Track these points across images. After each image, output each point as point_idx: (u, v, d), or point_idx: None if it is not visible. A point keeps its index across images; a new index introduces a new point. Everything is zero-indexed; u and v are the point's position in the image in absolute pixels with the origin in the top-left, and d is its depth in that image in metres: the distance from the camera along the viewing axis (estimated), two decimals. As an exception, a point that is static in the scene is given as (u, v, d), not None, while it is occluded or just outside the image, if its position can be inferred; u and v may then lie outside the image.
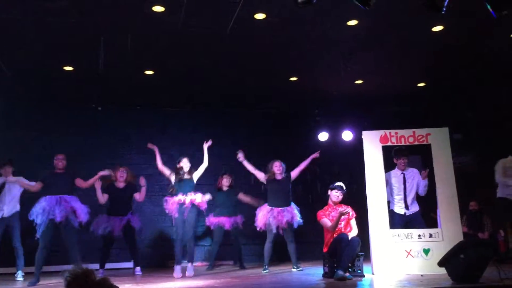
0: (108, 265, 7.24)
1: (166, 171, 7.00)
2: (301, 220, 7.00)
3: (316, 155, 7.26)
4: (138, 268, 7.23)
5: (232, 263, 8.31)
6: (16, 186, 7.10)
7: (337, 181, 6.35)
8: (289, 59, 7.13)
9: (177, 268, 6.56)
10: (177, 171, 6.87)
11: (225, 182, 7.90)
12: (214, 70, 7.45)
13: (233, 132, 9.32)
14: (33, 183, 6.59)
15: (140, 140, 8.96)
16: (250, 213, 7.62)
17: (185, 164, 6.91)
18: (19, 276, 6.89)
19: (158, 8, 5.44)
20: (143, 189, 7.17)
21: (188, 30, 5.98)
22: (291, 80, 7.98)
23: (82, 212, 6.25)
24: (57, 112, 8.58)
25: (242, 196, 7.90)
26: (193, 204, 6.70)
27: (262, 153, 8.66)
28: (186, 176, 6.83)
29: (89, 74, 7.17)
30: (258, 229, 7.01)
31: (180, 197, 6.68)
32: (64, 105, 8.56)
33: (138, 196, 7.21)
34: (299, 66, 7.45)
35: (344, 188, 6.27)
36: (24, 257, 6.98)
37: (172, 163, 8.83)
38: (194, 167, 7.00)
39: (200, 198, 6.75)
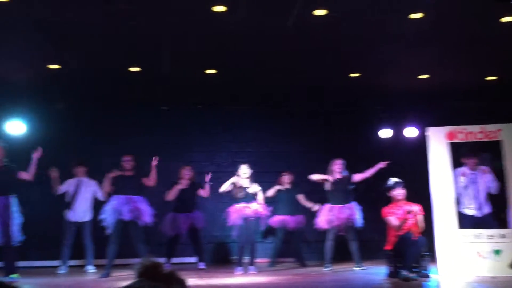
0: (172, 260, 7.46)
1: (228, 187, 6.99)
2: (361, 220, 6.88)
3: (383, 165, 7.04)
4: (202, 263, 7.41)
5: (293, 260, 8.32)
6: (88, 189, 7.46)
7: (392, 179, 6.17)
8: (350, 55, 7.00)
9: (238, 269, 6.65)
10: (237, 182, 6.87)
11: (286, 180, 7.89)
12: (274, 68, 7.45)
13: (293, 130, 9.31)
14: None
15: (202, 138, 9.18)
16: (311, 211, 7.58)
17: (244, 171, 6.90)
18: (90, 269, 7.26)
19: (219, 8, 5.51)
20: (207, 186, 7.33)
21: (248, 28, 6.02)
22: (352, 76, 7.85)
23: (147, 213, 6.54)
24: (122, 112, 8.88)
25: (301, 198, 7.85)
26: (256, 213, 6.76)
27: (322, 151, 8.60)
28: (247, 185, 6.86)
29: (154, 74, 7.40)
30: (319, 228, 6.98)
31: (242, 205, 6.73)
32: (129, 106, 8.86)
33: (203, 192, 7.40)
34: (360, 62, 7.30)
35: (400, 181, 6.09)
36: (94, 251, 7.35)
37: (232, 160, 9.00)
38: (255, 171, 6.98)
39: (262, 209, 6.76)
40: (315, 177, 7.07)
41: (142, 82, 7.86)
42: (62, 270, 7.14)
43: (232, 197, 6.89)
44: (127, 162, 6.78)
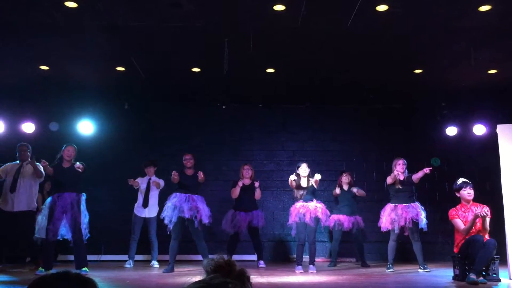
0: (232, 257, 7.58)
1: (293, 184, 6.92)
2: (425, 220, 6.66)
3: (428, 170, 6.74)
4: (261, 261, 7.47)
5: (354, 260, 8.21)
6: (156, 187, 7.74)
7: (460, 179, 5.91)
8: (413, 50, 6.82)
9: (298, 268, 6.63)
10: (297, 181, 6.84)
11: (345, 180, 7.78)
12: (334, 66, 7.38)
13: (351, 128, 9.18)
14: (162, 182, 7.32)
15: (261, 136, 9.24)
16: (372, 210, 7.45)
17: (303, 170, 6.83)
18: (154, 264, 7.50)
19: (279, 7, 5.53)
20: (258, 190, 7.40)
21: (309, 26, 6.00)
22: (416, 73, 7.62)
23: (205, 213, 6.66)
24: (183, 112, 9.13)
25: (355, 190, 7.71)
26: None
27: (385, 149, 8.43)
28: (305, 184, 6.80)
29: (215, 74, 7.54)
30: (382, 230, 6.83)
31: (301, 204, 6.70)
32: (191, 105, 9.09)
33: (255, 195, 7.45)
34: (424, 57, 7.08)
35: (469, 182, 5.83)
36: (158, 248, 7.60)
37: (292, 159, 8.99)
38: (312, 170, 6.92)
39: (321, 209, 6.68)
40: (390, 179, 6.90)
41: (203, 81, 8.03)
42: (129, 265, 7.42)
43: (292, 197, 6.87)
44: (188, 160, 6.93)
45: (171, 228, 6.60)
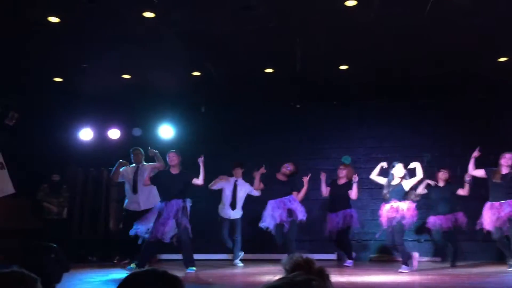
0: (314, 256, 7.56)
1: (381, 180, 6.85)
2: None
3: (476, 153, 6.47)
4: (349, 260, 7.41)
5: (439, 260, 7.86)
6: (243, 189, 7.92)
7: None
8: (495, 38, 6.42)
9: (404, 267, 6.40)
10: (389, 181, 6.70)
11: (442, 176, 7.46)
12: (410, 60, 7.13)
13: (429, 123, 8.81)
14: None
15: (338, 134, 9.14)
16: (470, 208, 7.09)
17: (396, 170, 6.63)
18: (238, 263, 7.65)
19: (350, 3, 5.45)
20: (355, 186, 7.43)
21: (382, 21, 5.85)
22: (500, 61, 7.17)
23: (300, 212, 6.91)
24: (259, 112, 9.18)
25: (460, 191, 7.38)
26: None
27: (469, 142, 7.99)
28: (395, 182, 6.63)
29: (288, 74, 7.56)
30: (484, 230, 6.51)
31: (391, 204, 6.52)
32: (266, 105, 9.14)
33: (352, 194, 7.49)
34: (509, 44, 6.65)
35: None
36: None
37: (369, 156, 8.80)
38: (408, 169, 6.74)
39: (407, 208, 6.47)
40: (476, 172, 6.60)
41: (276, 82, 8.08)
42: (238, 263, 7.64)
43: (383, 197, 6.72)
44: (286, 167, 7.19)
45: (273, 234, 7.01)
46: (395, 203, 6.42)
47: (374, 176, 6.83)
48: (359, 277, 5.89)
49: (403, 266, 6.38)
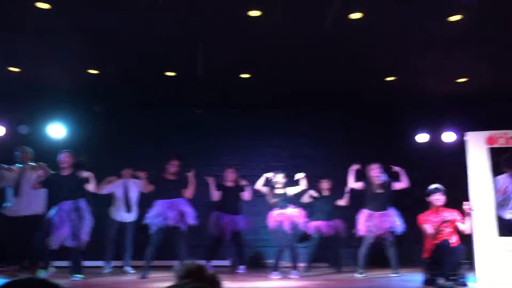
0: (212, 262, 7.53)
1: (264, 189, 6.99)
2: (402, 226, 6.76)
3: (397, 169, 6.99)
4: (242, 266, 7.46)
5: (327, 265, 8.23)
6: (134, 189, 7.61)
7: (432, 184, 6.05)
8: (385, 58, 6.92)
9: (275, 273, 6.58)
10: (271, 188, 6.87)
11: (324, 186, 7.82)
12: (309, 72, 7.44)
13: (329, 134, 9.24)
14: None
15: (237, 141, 9.23)
16: (349, 216, 7.50)
17: (279, 179, 6.90)
18: (129, 270, 7.38)
19: (254, 13, 5.54)
20: (248, 189, 7.49)
21: (284, 33, 6.04)
22: (388, 80, 7.75)
23: (191, 216, 6.62)
24: (158, 116, 9.03)
25: (340, 202, 7.79)
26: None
27: (357, 155, 8.49)
28: (281, 191, 6.84)
29: (189, 78, 7.50)
30: (359, 234, 6.89)
31: (279, 211, 6.71)
32: (165, 109, 8.99)
33: (246, 195, 7.48)
34: (396, 65, 7.21)
35: (440, 187, 5.97)
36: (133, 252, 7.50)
37: (267, 164, 9.00)
38: (291, 177, 6.96)
39: (298, 214, 6.72)
40: (355, 185, 6.99)
41: (177, 86, 7.99)
42: (107, 270, 7.29)
43: (268, 204, 6.87)
44: (173, 166, 6.86)
45: (153, 233, 6.54)
46: (284, 210, 6.64)
47: (259, 186, 6.98)
48: (251, 283, 5.97)
49: (293, 271, 6.60)
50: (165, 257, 6.86)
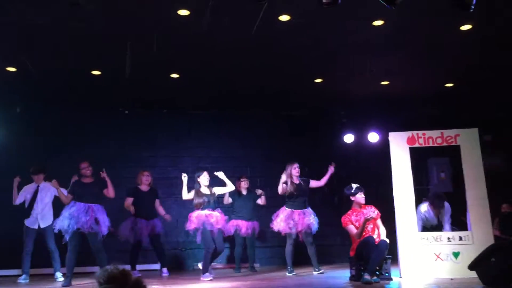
0: (136, 266, 7.33)
1: (190, 195, 6.80)
2: (316, 225, 6.92)
3: (331, 170, 7.19)
4: (165, 269, 7.32)
5: (258, 265, 8.31)
6: (48, 194, 7.24)
7: (354, 184, 6.28)
8: (313, 60, 7.09)
9: (206, 275, 6.48)
10: (197, 190, 6.78)
11: (244, 185, 7.87)
12: (238, 73, 7.46)
13: (257, 135, 9.32)
14: (65, 192, 6.51)
15: (166, 142, 9.08)
16: (269, 216, 7.59)
17: (203, 179, 6.81)
18: (58, 277, 7.03)
19: (183, 12, 5.48)
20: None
21: (213, 33, 6.01)
22: (316, 82, 7.93)
23: (104, 224, 6.32)
24: (84, 116, 8.69)
25: (259, 202, 7.89)
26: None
27: (286, 156, 8.62)
28: (206, 192, 6.78)
29: (117, 78, 7.27)
30: (276, 230, 6.96)
31: (203, 212, 6.61)
32: (91, 109, 8.68)
33: (158, 205, 7.49)
34: (324, 67, 7.40)
35: (361, 187, 6.22)
36: (60, 258, 7.13)
37: (197, 165, 8.93)
38: (217, 181, 6.91)
39: (219, 217, 6.67)
40: (280, 189, 7.03)
41: (104, 85, 7.72)
42: (23, 280, 6.88)
43: (194, 204, 6.77)
44: (85, 169, 6.54)
45: (67, 239, 6.21)
46: (207, 211, 6.58)
47: (185, 195, 6.82)
48: (181, 286, 5.88)
49: (206, 274, 6.51)
50: (88, 263, 6.58)
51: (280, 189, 6.99)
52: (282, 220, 6.86)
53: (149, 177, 7.53)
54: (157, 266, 7.85)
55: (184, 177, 6.75)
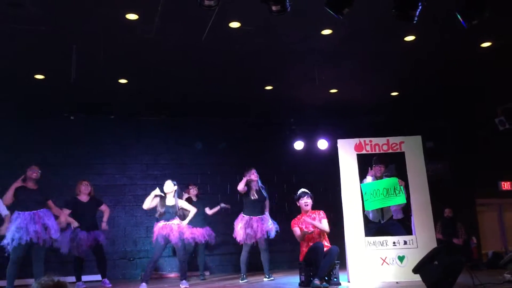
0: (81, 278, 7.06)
1: (153, 203, 6.56)
2: (275, 231, 6.92)
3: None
4: (106, 280, 7.08)
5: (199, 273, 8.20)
6: None
7: (301, 189, 6.35)
8: (264, 68, 7.13)
9: (143, 285, 6.32)
10: (161, 198, 6.60)
11: (193, 192, 7.79)
12: (188, 79, 7.40)
13: (209, 141, 9.27)
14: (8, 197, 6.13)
15: (114, 149, 8.86)
16: (224, 222, 7.56)
17: (168, 187, 6.58)
18: None
19: (131, 16, 5.38)
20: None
21: (162, 39, 5.94)
22: (267, 89, 7.99)
23: (53, 228, 6.07)
24: (26, 122, 8.36)
25: (208, 210, 7.84)
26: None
27: (239, 161, 8.64)
28: (169, 203, 6.61)
29: (61, 82, 7.01)
30: (238, 241, 6.89)
31: (164, 223, 6.45)
32: (34, 115, 8.35)
33: (105, 208, 7.21)
34: (274, 75, 7.46)
35: (307, 192, 6.28)
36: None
37: (146, 172, 8.77)
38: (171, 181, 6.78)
39: (183, 226, 6.55)
40: (241, 186, 6.94)
41: (48, 90, 7.44)
42: None
43: (154, 213, 6.58)
44: (34, 172, 6.25)
45: (10, 250, 5.89)
46: (169, 220, 6.43)
47: (146, 206, 6.64)
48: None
49: (183, 281, 6.42)
50: (28, 275, 6.27)
51: (241, 185, 6.89)
52: (242, 228, 6.81)
53: (88, 186, 7.17)
54: (99, 277, 7.54)
55: (156, 190, 6.55)
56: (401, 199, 6.33)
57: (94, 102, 8.26)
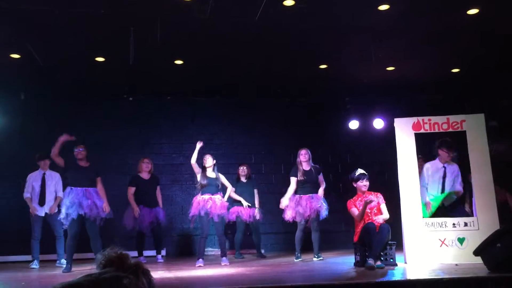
0: (131, 253, 7.34)
1: (197, 169, 6.81)
2: (326, 212, 6.87)
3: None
4: (159, 256, 7.36)
5: (255, 252, 8.32)
6: (53, 182, 7.27)
7: (358, 170, 6.25)
8: (318, 46, 7.03)
9: (200, 261, 6.50)
10: (203, 170, 6.78)
11: (242, 172, 7.87)
12: (242, 59, 7.42)
13: (262, 122, 9.30)
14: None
15: (170, 129, 9.07)
16: (270, 203, 7.57)
17: (208, 161, 6.77)
18: (63, 263, 7.06)
19: (186, -3, 5.43)
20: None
21: (217, 19, 5.96)
22: (321, 68, 7.88)
23: (101, 208, 6.30)
24: (88, 103, 8.70)
25: (256, 193, 7.88)
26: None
27: (292, 143, 8.62)
28: (210, 175, 6.77)
29: (120, 64, 7.23)
30: (286, 220, 6.92)
31: (205, 196, 6.62)
32: (95, 96, 8.67)
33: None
34: (328, 53, 7.34)
35: (366, 173, 6.17)
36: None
37: (201, 152, 8.93)
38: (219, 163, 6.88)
39: (222, 201, 6.67)
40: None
41: (108, 72, 7.69)
42: (34, 265, 6.93)
43: (198, 187, 6.76)
44: (80, 152, 6.43)
45: (67, 225, 6.21)
46: (211, 194, 6.59)
47: (194, 160, 6.83)
48: (186, 272, 5.90)
49: (223, 258, 6.58)
50: (88, 249, 6.60)
51: (293, 181, 6.92)
52: (292, 208, 6.84)
53: (149, 164, 7.48)
54: (152, 253, 7.82)
55: (199, 144, 6.76)
56: None
57: (151, 83, 8.47)
